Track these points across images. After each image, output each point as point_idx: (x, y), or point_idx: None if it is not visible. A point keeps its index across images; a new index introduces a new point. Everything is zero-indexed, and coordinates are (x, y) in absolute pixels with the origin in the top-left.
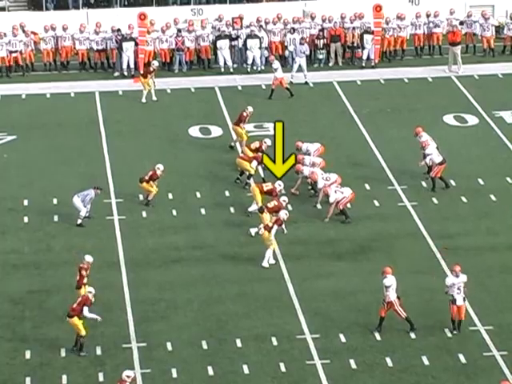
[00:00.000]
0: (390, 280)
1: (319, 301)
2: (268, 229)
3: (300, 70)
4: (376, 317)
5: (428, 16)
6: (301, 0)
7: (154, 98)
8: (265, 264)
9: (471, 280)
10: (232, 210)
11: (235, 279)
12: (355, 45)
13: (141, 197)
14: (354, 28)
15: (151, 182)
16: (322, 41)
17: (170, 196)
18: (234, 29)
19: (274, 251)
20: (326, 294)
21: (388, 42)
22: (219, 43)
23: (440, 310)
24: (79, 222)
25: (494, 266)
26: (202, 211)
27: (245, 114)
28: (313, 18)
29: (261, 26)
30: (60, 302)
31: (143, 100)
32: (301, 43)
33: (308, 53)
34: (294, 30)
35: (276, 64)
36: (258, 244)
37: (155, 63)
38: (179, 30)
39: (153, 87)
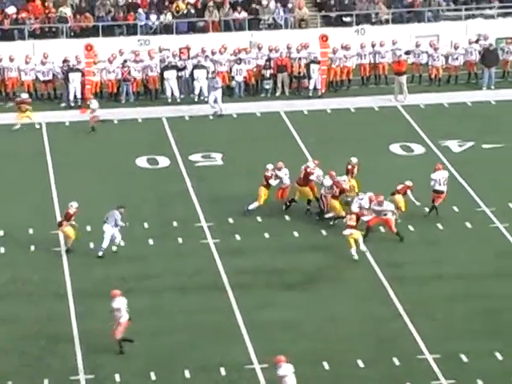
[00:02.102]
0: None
1: (267, 330)
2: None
3: (216, 102)
4: (324, 345)
5: (373, 46)
6: (247, 30)
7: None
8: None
9: (418, 309)
10: (180, 240)
11: (183, 309)
12: (301, 75)
13: (88, 228)
14: (300, 58)
15: (69, 226)
16: (268, 71)
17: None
18: (180, 59)
19: None
20: (274, 324)
21: (334, 72)
22: (166, 74)
23: (387, 338)
24: (115, 248)
25: (441, 294)
26: (150, 241)
27: (349, 167)
28: (259, 49)
29: (206, 56)
30: (4, 334)
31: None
32: (212, 77)
33: (219, 86)
34: (240, 61)
35: (94, 104)
36: (206, 274)
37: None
38: (125, 61)
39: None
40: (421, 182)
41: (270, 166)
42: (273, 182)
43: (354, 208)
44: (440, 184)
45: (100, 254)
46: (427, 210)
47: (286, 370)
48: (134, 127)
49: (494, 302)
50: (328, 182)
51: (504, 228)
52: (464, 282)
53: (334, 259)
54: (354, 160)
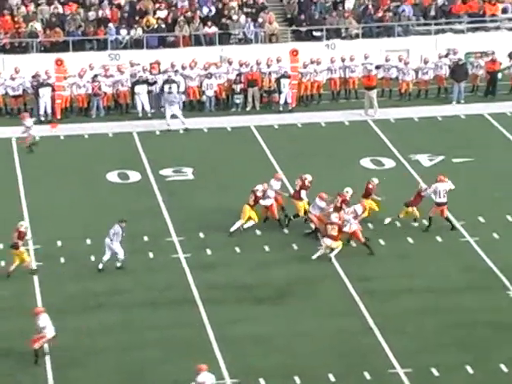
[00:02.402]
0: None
1: (239, 345)
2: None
3: (175, 117)
4: (295, 360)
5: (343, 60)
6: (218, 45)
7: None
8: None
9: (389, 323)
10: (151, 255)
11: (155, 324)
12: (272, 89)
13: (59, 243)
14: (270, 73)
15: (21, 248)
16: (239, 86)
17: (89, 241)
18: (151, 74)
19: None
20: (245, 339)
21: (305, 87)
22: (137, 88)
23: (358, 352)
24: (119, 265)
25: (412, 308)
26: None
27: (370, 187)
28: (230, 63)
29: (176, 71)
30: None
31: None
32: (169, 92)
33: (178, 100)
34: (210, 75)
35: (29, 122)
36: (177, 289)
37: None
38: (95, 75)
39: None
40: (391, 196)
41: (259, 187)
42: (266, 202)
43: (334, 218)
44: (440, 196)
45: (119, 264)
46: (398, 224)
47: (205, 377)
48: (105, 142)
49: (465, 315)
50: (322, 204)
51: (474, 242)
52: (435, 295)
53: (305, 274)
54: (376, 180)
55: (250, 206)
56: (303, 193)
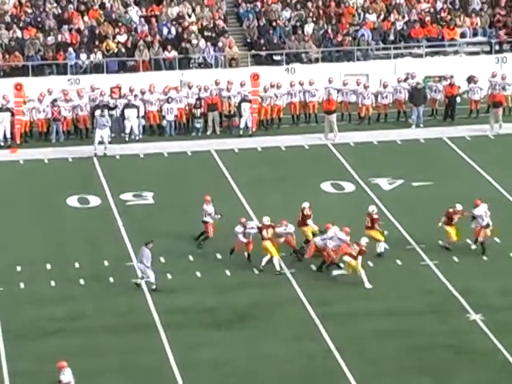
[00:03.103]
0: None
1: (200, 370)
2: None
3: (102, 142)
4: None
5: (301, 84)
6: (178, 69)
7: None
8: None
9: (349, 346)
10: (111, 279)
11: (115, 350)
12: (232, 113)
13: (18, 268)
14: (230, 97)
15: None
16: (199, 110)
17: (48, 266)
18: (111, 98)
19: None
20: (206, 363)
21: (265, 111)
22: (97, 113)
23: (319, 376)
24: (154, 287)
25: (372, 331)
26: (81, 281)
27: (305, 212)
28: (190, 87)
29: (136, 96)
30: None
31: None
32: (101, 115)
33: (108, 124)
34: (171, 100)
35: None
36: (138, 314)
37: None
38: (55, 100)
39: None
40: (351, 220)
41: (265, 219)
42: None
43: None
44: (484, 218)
45: (154, 287)
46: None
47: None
48: (65, 167)
49: (425, 338)
50: (344, 236)
51: (434, 265)
52: (395, 318)
53: (266, 297)
54: (371, 208)
55: (269, 239)
56: (310, 222)
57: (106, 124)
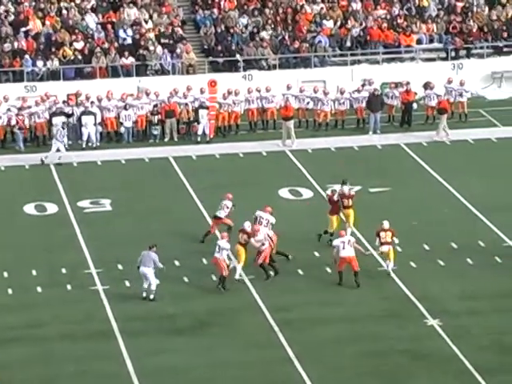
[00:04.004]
0: None
1: (158, 377)
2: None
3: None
4: None
5: (259, 91)
6: (135, 76)
7: None
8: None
9: (308, 352)
10: (69, 287)
11: (73, 357)
12: (190, 120)
13: None
14: (187, 103)
15: None
16: (156, 117)
17: (6, 274)
18: (68, 105)
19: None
20: (165, 370)
21: (222, 117)
22: (54, 120)
23: (278, 382)
24: (152, 296)
25: (330, 337)
26: (39, 289)
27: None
28: (147, 94)
29: (92, 102)
30: None
31: None
32: (63, 127)
33: (64, 134)
34: (128, 107)
35: None
36: (96, 321)
37: None
38: (20, 109)
39: None
40: (309, 226)
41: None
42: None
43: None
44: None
45: (152, 296)
46: (316, 254)
47: None
48: (22, 174)
49: (382, 344)
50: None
51: (392, 271)
52: (353, 324)
53: (225, 304)
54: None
55: (240, 244)
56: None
57: (64, 136)
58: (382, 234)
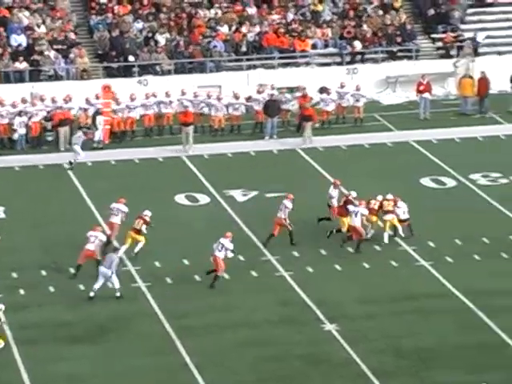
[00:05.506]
0: None
1: None
2: None
3: None
4: None
5: (155, 97)
6: (28, 82)
7: None
8: None
9: (206, 358)
10: None
11: None
12: (87, 126)
13: None
14: (85, 109)
15: None
16: (49, 123)
17: None
18: None
19: None
20: (62, 379)
21: (118, 123)
22: None
23: None
24: (118, 294)
25: (229, 343)
26: None
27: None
28: (42, 100)
29: None
30: None
31: None
32: None
33: None
34: (22, 113)
35: None
36: None
37: None
38: None
39: None
40: (206, 232)
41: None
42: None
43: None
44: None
45: (92, 294)
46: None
47: None
48: None
49: (281, 349)
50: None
51: (289, 276)
52: (250, 329)
53: (122, 311)
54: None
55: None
56: (351, 207)
57: None
58: (385, 203)
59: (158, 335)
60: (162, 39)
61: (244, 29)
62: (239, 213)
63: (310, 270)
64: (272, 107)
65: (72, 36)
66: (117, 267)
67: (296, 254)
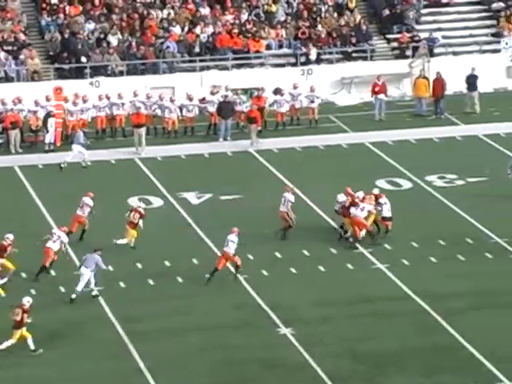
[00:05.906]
0: None
1: None
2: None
3: None
4: None
5: (108, 98)
6: None
7: None
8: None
9: (159, 363)
10: None
11: None
12: (38, 128)
13: None
14: (35, 111)
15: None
16: (0, 125)
17: None
18: None
19: None
20: None
21: (70, 125)
22: None
23: None
24: (95, 293)
25: (183, 347)
26: None
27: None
28: None
29: None
30: None
31: None
32: None
33: None
34: None
35: None
36: None
37: None
38: None
39: None
40: (159, 235)
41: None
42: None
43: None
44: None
45: (73, 296)
46: (167, 264)
47: None
48: None
49: (236, 353)
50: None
51: (244, 279)
52: (205, 333)
53: (75, 316)
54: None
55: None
56: (353, 209)
57: None
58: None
59: (112, 340)
60: (114, 40)
61: (197, 29)
62: (193, 215)
63: (265, 273)
64: (226, 109)
65: (22, 37)
66: (102, 266)
67: (251, 257)
